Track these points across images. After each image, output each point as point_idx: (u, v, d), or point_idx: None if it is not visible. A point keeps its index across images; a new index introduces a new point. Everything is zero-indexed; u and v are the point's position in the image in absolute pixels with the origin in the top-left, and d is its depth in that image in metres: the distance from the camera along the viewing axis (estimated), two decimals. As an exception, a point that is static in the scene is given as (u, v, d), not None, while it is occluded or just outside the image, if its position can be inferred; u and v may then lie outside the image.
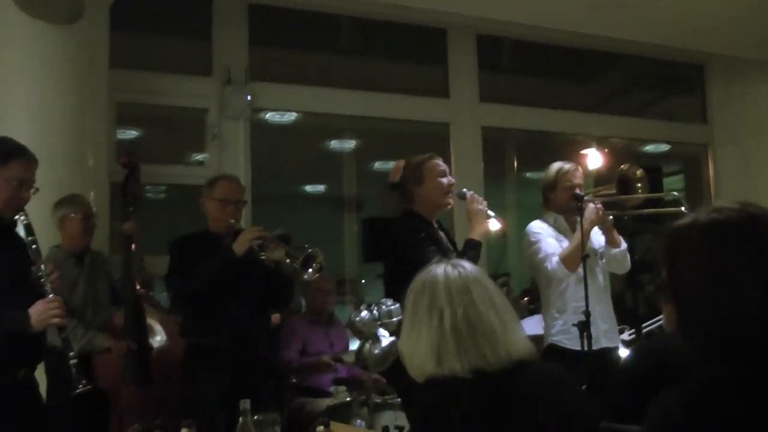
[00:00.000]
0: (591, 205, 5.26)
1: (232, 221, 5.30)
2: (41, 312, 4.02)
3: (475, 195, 5.14)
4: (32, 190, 4.20)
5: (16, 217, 4.20)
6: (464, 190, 5.15)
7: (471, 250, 4.93)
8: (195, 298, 5.14)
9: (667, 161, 10.55)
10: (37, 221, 4.33)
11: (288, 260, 5.13)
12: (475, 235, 5.01)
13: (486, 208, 5.08)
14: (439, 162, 5.15)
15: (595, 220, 5.29)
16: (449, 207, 5.22)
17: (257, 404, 4.98)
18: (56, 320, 4.08)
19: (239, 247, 5.08)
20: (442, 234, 5.14)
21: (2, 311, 3.99)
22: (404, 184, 5.17)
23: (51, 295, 4.10)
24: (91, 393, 4.23)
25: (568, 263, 5.24)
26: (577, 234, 5.23)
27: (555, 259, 5.30)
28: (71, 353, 4.16)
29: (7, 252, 4.16)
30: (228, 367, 5.06)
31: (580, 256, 5.15)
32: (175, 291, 5.33)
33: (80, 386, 4.13)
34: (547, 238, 5.45)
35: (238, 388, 4.96)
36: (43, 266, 4.18)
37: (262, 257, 5.15)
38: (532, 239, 5.47)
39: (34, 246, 4.18)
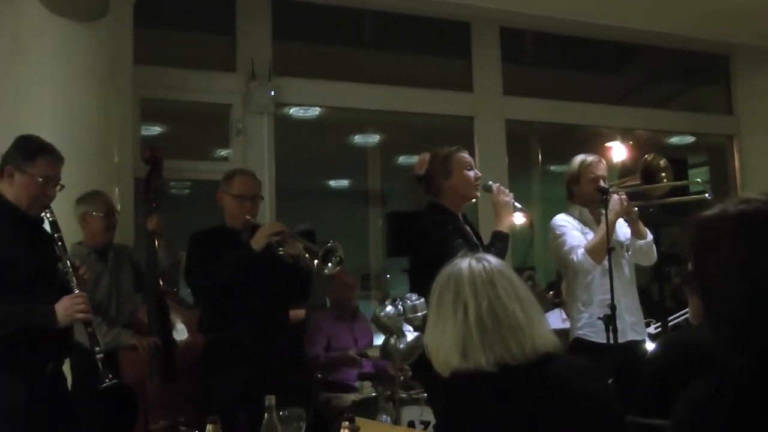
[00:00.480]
0: (615, 197, 5.22)
1: (249, 217, 5.30)
2: (67, 307, 4.09)
3: (501, 187, 5.10)
4: (58, 188, 4.26)
5: (42, 213, 4.25)
6: (490, 182, 5.12)
7: (499, 242, 4.91)
8: (213, 293, 5.16)
9: (693, 153, 10.48)
10: (63, 218, 4.38)
11: (307, 255, 5.13)
12: (503, 227, 4.96)
13: (512, 200, 5.06)
14: (466, 155, 5.11)
15: (619, 212, 5.26)
16: (475, 199, 5.20)
17: (278, 399, 5.03)
18: (81, 315, 4.15)
19: (257, 242, 5.08)
20: (468, 228, 5.12)
21: (29, 307, 4.05)
22: (430, 176, 5.09)
23: (76, 291, 4.16)
24: (116, 388, 4.27)
25: (593, 255, 5.21)
26: (602, 226, 5.19)
27: (581, 251, 5.27)
28: (97, 348, 4.20)
29: (33, 248, 4.21)
30: (246, 362, 5.08)
31: (605, 248, 5.12)
32: (194, 286, 5.35)
33: (107, 380, 4.18)
34: (572, 231, 5.42)
35: (257, 383, 5.01)
36: (69, 262, 4.24)
37: (281, 252, 5.16)
38: (558, 232, 5.45)
39: (60, 243, 4.25)
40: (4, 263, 4.02)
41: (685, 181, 6.05)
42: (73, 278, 4.21)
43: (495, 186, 5.08)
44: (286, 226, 5.31)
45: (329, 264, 5.09)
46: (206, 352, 5.26)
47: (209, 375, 5.17)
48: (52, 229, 4.26)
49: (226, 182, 5.37)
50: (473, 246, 4.84)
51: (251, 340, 5.13)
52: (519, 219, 5.37)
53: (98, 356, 4.19)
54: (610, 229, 5.20)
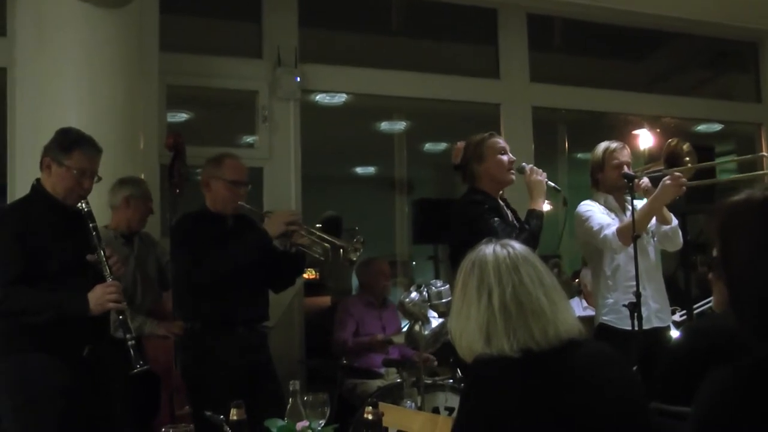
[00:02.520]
0: (667, 180, 5.14)
1: (241, 203, 5.25)
2: (99, 296, 4.21)
3: (535, 167, 5.17)
4: (95, 179, 4.38)
5: (78, 204, 4.35)
6: (523, 163, 5.19)
7: (533, 220, 4.98)
8: (221, 281, 5.01)
9: (721, 141, 10.41)
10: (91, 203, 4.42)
11: (326, 245, 5.14)
12: (536, 205, 5.04)
13: (545, 179, 5.10)
14: (499, 140, 5.20)
15: (674, 193, 5.17)
16: (511, 183, 5.23)
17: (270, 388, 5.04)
18: (113, 304, 4.25)
19: (274, 229, 5.08)
20: (508, 211, 5.15)
21: (63, 295, 4.18)
22: (466, 164, 5.21)
23: (110, 280, 4.26)
24: (145, 374, 4.34)
25: (623, 236, 5.18)
26: (643, 209, 5.17)
27: (612, 229, 5.25)
28: (129, 335, 4.28)
29: (69, 238, 4.32)
30: (239, 351, 5.08)
31: (642, 228, 5.13)
32: (203, 273, 5.03)
33: (138, 366, 4.25)
34: (599, 213, 5.41)
35: (252, 371, 5.03)
36: (103, 252, 4.33)
37: (292, 241, 5.15)
38: (585, 215, 5.43)
39: (95, 233, 4.35)
40: (40, 252, 4.16)
41: (712, 162, 5.98)
42: (107, 267, 4.30)
43: (528, 167, 5.16)
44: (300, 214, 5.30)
45: (357, 253, 5.11)
46: (198, 339, 5.13)
47: (202, 363, 5.09)
48: (87, 219, 4.35)
49: (214, 166, 5.27)
50: (511, 225, 4.89)
51: (243, 329, 5.14)
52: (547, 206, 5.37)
53: (129, 343, 4.26)
54: (658, 213, 5.25)
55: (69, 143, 4.31)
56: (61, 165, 4.28)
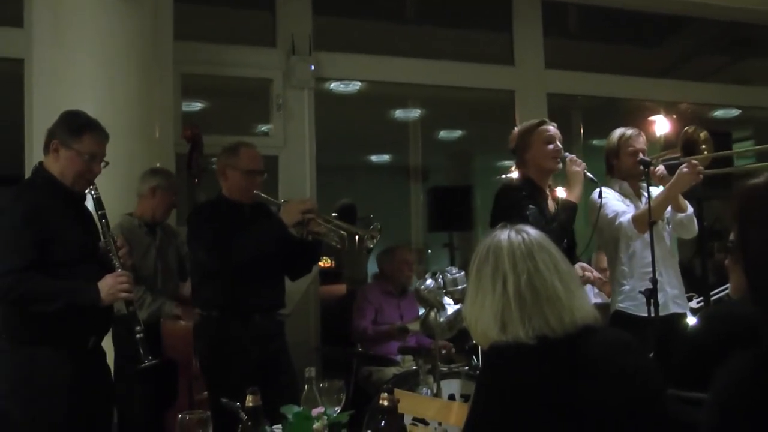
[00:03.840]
0: (684, 168, 5.13)
1: (257, 191, 5.23)
2: (110, 286, 4.11)
3: (575, 158, 5.16)
4: (103, 164, 4.28)
5: (87, 190, 4.28)
6: (566, 153, 5.16)
7: (564, 212, 4.98)
8: (236, 269, 4.99)
9: (738, 126, 10.37)
10: (103, 192, 4.39)
11: (343, 233, 5.14)
12: (572, 196, 5.05)
13: (584, 170, 5.10)
14: (549, 127, 5.17)
15: (690, 181, 5.15)
16: (555, 172, 5.22)
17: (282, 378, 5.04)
18: (124, 294, 4.17)
19: (291, 217, 5.06)
20: (552, 202, 5.14)
21: (73, 284, 4.09)
22: (516, 150, 5.22)
23: (119, 270, 4.18)
24: (156, 367, 4.27)
25: (639, 223, 5.17)
26: (660, 196, 5.16)
27: (627, 216, 5.25)
28: (138, 328, 4.22)
29: (77, 225, 4.25)
30: (257, 340, 5.08)
31: (658, 215, 5.12)
32: (224, 262, 4.99)
33: (146, 361, 4.20)
34: (613, 200, 5.40)
35: (266, 360, 5.04)
36: (112, 239, 4.27)
37: (308, 229, 5.15)
38: (599, 202, 5.43)
39: (103, 220, 4.27)
40: (48, 239, 4.05)
41: (729, 151, 5.94)
42: (116, 256, 4.22)
43: (569, 157, 5.14)
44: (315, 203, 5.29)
45: (374, 240, 5.10)
46: (215, 328, 5.13)
47: (219, 350, 5.09)
48: (96, 206, 4.28)
49: (230, 155, 5.24)
50: (544, 216, 4.90)
51: (260, 317, 5.14)
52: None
53: (138, 336, 4.21)
54: (673, 201, 5.23)
55: (79, 126, 4.21)
56: (70, 149, 4.16)
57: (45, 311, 3.99)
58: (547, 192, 5.18)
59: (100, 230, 4.27)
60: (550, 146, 5.11)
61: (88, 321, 4.17)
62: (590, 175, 5.13)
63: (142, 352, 4.20)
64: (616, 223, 5.29)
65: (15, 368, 4.08)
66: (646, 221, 5.07)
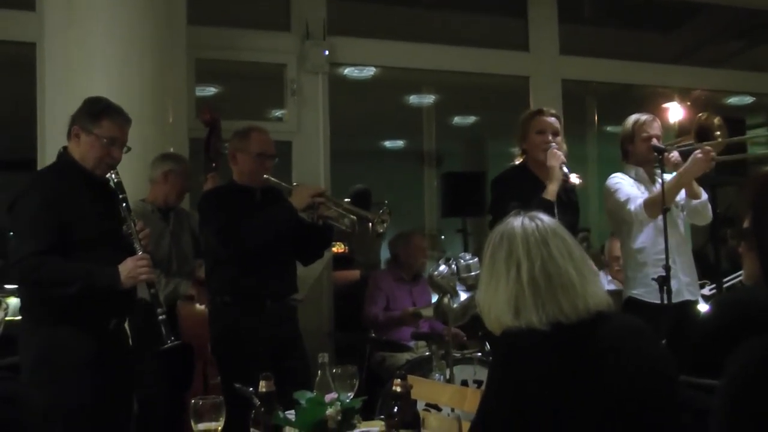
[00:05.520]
0: (698, 153, 5.10)
1: (267, 176, 5.18)
2: (131, 269, 4.16)
3: (555, 151, 5.08)
4: (124, 150, 4.33)
5: (108, 175, 4.31)
6: (552, 144, 5.11)
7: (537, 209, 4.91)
8: (247, 255, 4.99)
9: (752, 113, 10.32)
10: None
11: (353, 217, 5.14)
12: (546, 193, 4.94)
13: (560, 164, 5.02)
14: (544, 118, 5.18)
15: (704, 167, 5.13)
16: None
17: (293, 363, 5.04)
18: (144, 277, 4.22)
19: (301, 201, 5.04)
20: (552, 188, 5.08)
21: (95, 267, 4.16)
22: (518, 138, 5.27)
23: (140, 253, 4.23)
24: (177, 348, 4.32)
25: (650, 208, 5.15)
26: (669, 182, 5.13)
27: (639, 201, 5.24)
28: (159, 309, 4.26)
29: (98, 208, 4.29)
30: (269, 324, 5.07)
31: (670, 201, 5.10)
32: (234, 247, 5.01)
33: (169, 341, 4.23)
34: (628, 186, 5.39)
35: (278, 345, 5.05)
36: (133, 223, 4.30)
37: (318, 213, 5.14)
38: (614, 187, 5.42)
39: (124, 204, 4.31)
40: (69, 222, 4.13)
41: (743, 137, 5.92)
42: (137, 239, 4.27)
43: (550, 149, 5.08)
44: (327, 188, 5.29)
45: (384, 224, 5.09)
46: (227, 313, 5.12)
47: (231, 336, 5.07)
48: (117, 189, 4.31)
49: (241, 139, 5.22)
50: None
51: (272, 302, 5.13)
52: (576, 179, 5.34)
53: (161, 317, 4.24)
54: (687, 187, 5.22)
55: (98, 111, 4.27)
56: (90, 133, 4.23)
57: (65, 293, 4.05)
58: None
59: (122, 214, 4.31)
60: (540, 136, 5.12)
61: (108, 303, 4.24)
62: (566, 170, 5.02)
63: (164, 332, 4.23)
64: (627, 207, 5.28)
65: (37, 347, 4.16)
66: (659, 206, 5.06)
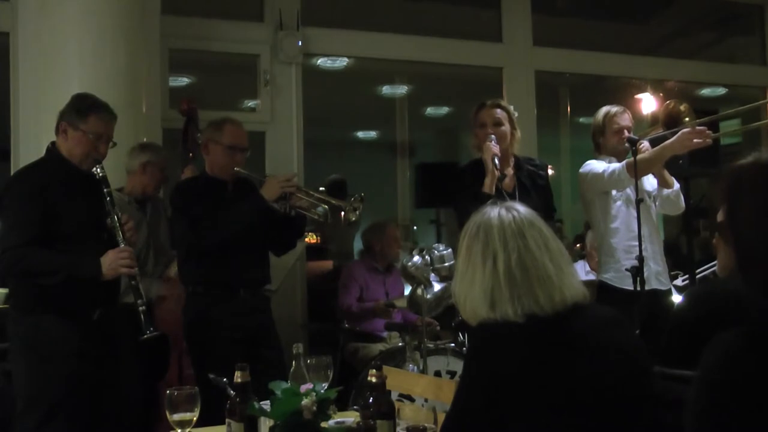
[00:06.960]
0: (686, 131, 5.04)
1: (238, 168, 5.17)
2: (112, 261, 4.30)
3: (488, 143, 4.99)
4: (110, 144, 4.49)
5: (93, 169, 4.42)
6: (492, 135, 5.04)
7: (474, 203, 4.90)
8: (221, 247, 4.99)
9: (725, 104, 10.37)
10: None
11: (325, 207, 5.14)
12: (484, 187, 4.87)
13: (492, 157, 4.90)
14: (488, 110, 5.16)
15: (687, 144, 5.07)
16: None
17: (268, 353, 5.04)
18: (125, 270, 4.33)
19: (271, 192, 5.03)
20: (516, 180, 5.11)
21: (74, 258, 4.30)
22: None
23: (122, 245, 4.35)
24: (156, 339, 4.40)
25: (632, 170, 5.05)
26: (659, 149, 5.08)
27: (618, 165, 5.21)
28: (140, 300, 4.35)
29: (84, 202, 4.42)
30: (243, 315, 5.08)
31: (647, 171, 5.15)
32: (204, 241, 5.01)
33: (148, 332, 4.32)
34: (599, 163, 5.40)
35: (252, 336, 5.05)
36: (117, 216, 4.41)
37: (289, 203, 5.13)
38: (586, 170, 5.43)
39: (109, 198, 4.42)
40: (55, 215, 4.28)
41: (714, 116, 5.90)
42: (120, 232, 4.38)
43: (486, 143, 5.03)
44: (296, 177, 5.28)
45: (357, 212, 5.09)
46: (200, 303, 5.12)
47: (204, 326, 5.08)
48: (101, 183, 4.42)
49: (214, 130, 5.20)
50: (482, 198, 4.70)
51: (245, 293, 5.13)
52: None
53: (140, 308, 4.33)
54: (665, 159, 5.17)
55: (85, 108, 4.40)
56: (77, 129, 4.36)
57: (48, 283, 4.20)
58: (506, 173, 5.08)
59: (106, 208, 4.40)
60: (482, 130, 5.11)
61: (91, 294, 4.34)
62: (497, 162, 4.90)
63: (144, 323, 4.31)
64: (609, 170, 5.25)
65: (21, 334, 4.32)
66: (642, 171, 5.06)
